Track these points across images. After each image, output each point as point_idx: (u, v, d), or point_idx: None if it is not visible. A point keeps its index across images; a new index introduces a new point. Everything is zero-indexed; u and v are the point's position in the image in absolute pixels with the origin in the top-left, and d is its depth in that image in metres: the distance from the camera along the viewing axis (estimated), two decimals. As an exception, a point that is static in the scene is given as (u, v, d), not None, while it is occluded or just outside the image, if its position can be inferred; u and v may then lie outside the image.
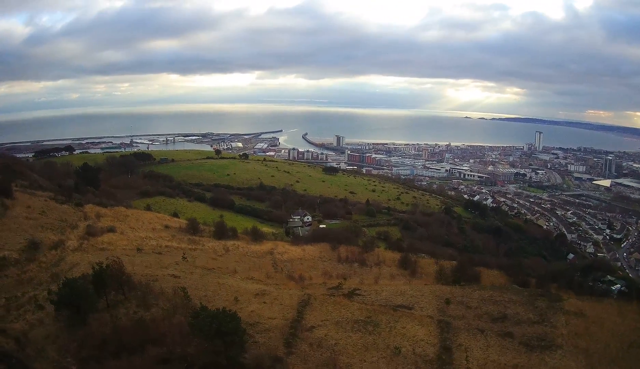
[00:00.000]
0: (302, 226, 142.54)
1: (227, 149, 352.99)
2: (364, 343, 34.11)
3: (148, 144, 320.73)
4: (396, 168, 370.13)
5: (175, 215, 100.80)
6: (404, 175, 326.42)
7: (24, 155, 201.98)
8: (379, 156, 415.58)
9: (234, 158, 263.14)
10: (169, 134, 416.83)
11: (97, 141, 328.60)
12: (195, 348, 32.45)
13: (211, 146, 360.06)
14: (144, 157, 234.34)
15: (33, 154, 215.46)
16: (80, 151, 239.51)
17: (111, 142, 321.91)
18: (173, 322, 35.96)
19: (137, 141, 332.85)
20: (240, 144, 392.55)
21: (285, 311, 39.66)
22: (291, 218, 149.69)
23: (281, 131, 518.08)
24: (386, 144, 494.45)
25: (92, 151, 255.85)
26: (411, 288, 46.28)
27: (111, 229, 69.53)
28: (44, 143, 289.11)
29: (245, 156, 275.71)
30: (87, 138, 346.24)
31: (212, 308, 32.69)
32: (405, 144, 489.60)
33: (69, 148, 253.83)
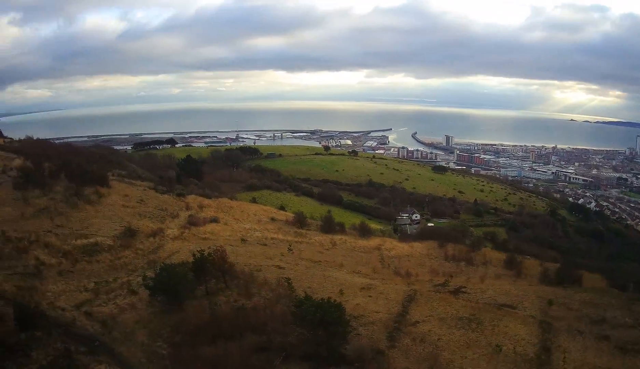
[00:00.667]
0: (410, 224, 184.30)
1: (336, 146, 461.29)
2: (466, 340, 44.30)
3: (255, 139, 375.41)
4: (504, 169, 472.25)
5: (282, 208, 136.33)
6: (511, 176, 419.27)
7: (121, 147, 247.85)
8: (487, 157, 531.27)
9: (343, 155, 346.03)
10: (277, 130, 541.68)
11: (200, 135, 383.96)
12: (296, 338, 41.66)
13: (320, 143, 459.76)
14: (251, 151, 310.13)
15: (132, 146, 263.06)
16: (183, 144, 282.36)
17: (216, 136, 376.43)
18: (275, 311, 47.91)
19: (243, 136, 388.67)
20: (349, 142, 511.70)
21: (390, 305, 52.13)
22: (399, 216, 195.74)
23: (390, 129, 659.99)
24: (494, 145, 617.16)
25: (195, 144, 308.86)
26: (515, 287, 59.58)
27: (214, 220, 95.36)
28: (143, 136, 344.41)
29: (355, 153, 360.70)
30: (190, 132, 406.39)
31: (316, 300, 42.70)
32: (512, 146, 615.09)
33: (171, 141, 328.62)
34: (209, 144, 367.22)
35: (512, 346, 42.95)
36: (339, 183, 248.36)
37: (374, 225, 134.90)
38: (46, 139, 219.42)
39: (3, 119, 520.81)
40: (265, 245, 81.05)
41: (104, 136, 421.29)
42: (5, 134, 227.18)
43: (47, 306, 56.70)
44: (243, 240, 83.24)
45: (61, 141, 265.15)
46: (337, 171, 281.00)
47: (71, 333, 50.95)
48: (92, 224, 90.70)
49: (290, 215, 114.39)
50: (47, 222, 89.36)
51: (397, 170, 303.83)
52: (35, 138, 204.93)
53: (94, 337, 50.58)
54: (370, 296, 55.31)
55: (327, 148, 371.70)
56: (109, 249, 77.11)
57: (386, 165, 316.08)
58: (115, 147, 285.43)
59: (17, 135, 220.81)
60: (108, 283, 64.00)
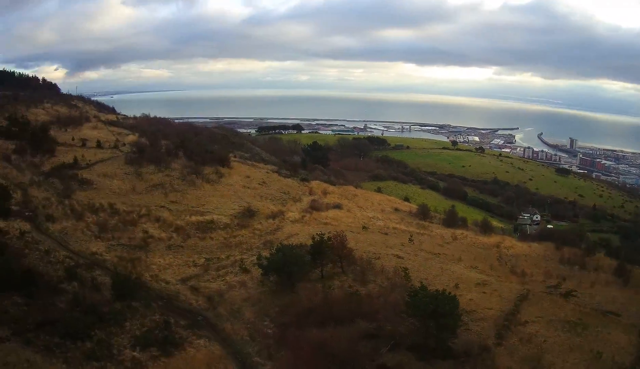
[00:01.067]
0: (530, 224, 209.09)
1: (464, 141, 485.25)
2: (570, 344, 47.15)
3: (382, 130, 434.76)
4: (623, 176, 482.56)
5: (406, 200, 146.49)
6: (629, 184, 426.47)
7: (245, 130, 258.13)
8: (607, 162, 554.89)
9: (470, 151, 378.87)
10: (405, 123, 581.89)
11: (328, 123, 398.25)
12: (406, 328, 44.62)
13: (447, 138, 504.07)
14: (378, 142, 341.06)
15: (256, 129, 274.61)
16: (310, 131, 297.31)
17: (344, 125, 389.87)
18: (388, 299, 50.90)
19: (371, 126, 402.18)
20: (476, 138, 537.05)
21: (502, 303, 55.43)
22: (521, 215, 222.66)
23: (517, 128, 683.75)
24: (614, 150, 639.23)
25: (322, 132, 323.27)
26: (622, 295, 62.80)
27: (337, 206, 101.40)
28: (269, 120, 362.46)
29: (482, 149, 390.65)
30: (317, 119, 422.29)
31: (431, 291, 45.02)
32: (632, 153, 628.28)
33: (297, 127, 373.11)
34: (337, 132, 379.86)
35: (612, 354, 44.79)
36: (465, 179, 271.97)
37: (495, 223, 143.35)
38: (164, 117, 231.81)
39: (116, 96, 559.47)
40: (387, 234, 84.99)
41: (227, 118, 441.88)
42: (118, 110, 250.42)
43: (149, 278, 61.03)
44: (365, 228, 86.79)
45: (181, 120, 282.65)
46: (463, 166, 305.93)
47: (173, 306, 54.35)
48: (210, 202, 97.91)
49: (414, 207, 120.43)
50: (160, 197, 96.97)
51: (522, 169, 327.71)
52: (152, 116, 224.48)
53: (197, 312, 54.01)
54: (484, 292, 58.47)
55: (454, 143, 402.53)
56: (224, 227, 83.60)
57: (512, 164, 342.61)
58: (239, 129, 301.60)
59: (132, 112, 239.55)
60: (220, 260, 69.52)
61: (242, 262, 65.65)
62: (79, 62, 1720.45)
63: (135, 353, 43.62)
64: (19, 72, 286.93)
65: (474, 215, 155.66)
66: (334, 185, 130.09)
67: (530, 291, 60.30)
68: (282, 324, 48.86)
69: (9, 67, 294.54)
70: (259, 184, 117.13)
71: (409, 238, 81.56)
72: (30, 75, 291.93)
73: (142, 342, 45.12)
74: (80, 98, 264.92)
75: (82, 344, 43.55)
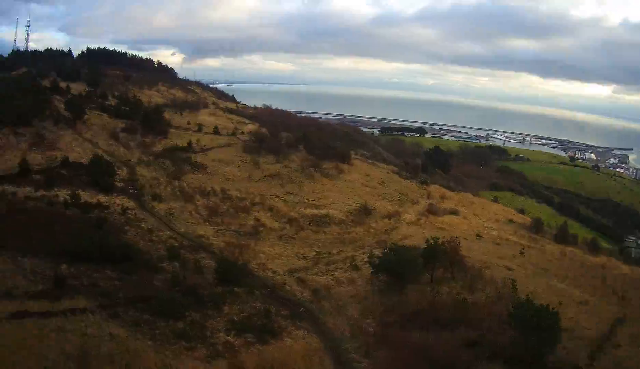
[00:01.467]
0: (636, 248, 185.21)
1: (581, 158, 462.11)
2: None
3: (504, 140, 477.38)
4: None
5: (520, 212, 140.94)
6: None
7: (368, 129, 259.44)
8: None
9: (586, 168, 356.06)
10: (526, 134, 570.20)
11: (451, 128, 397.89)
12: (507, 339, 44.17)
13: (566, 153, 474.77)
14: (499, 151, 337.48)
15: (379, 129, 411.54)
16: (432, 135, 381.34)
17: (466, 132, 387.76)
18: (493, 310, 50.56)
19: (493, 135, 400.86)
20: (593, 156, 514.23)
21: (600, 324, 53.77)
22: (627, 238, 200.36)
23: (632, 149, 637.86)
24: None
25: (445, 137, 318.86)
26: None
27: (454, 212, 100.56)
28: (392, 121, 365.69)
29: (597, 167, 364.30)
30: (440, 124, 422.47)
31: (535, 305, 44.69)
32: None
33: (420, 130, 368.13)
34: (459, 139, 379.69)
35: None
36: (579, 195, 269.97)
37: (603, 243, 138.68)
38: (286, 110, 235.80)
39: (237, 85, 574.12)
40: (499, 244, 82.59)
41: (351, 116, 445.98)
42: (239, 100, 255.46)
43: (256, 266, 60.25)
44: (478, 236, 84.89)
45: (303, 114, 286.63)
46: (578, 183, 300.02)
47: (277, 295, 53.25)
48: (327, 197, 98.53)
49: (527, 219, 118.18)
50: (276, 187, 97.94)
51: (631, 190, 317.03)
52: (273, 107, 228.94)
53: (301, 303, 52.58)
54: (584, 312, 55.88)
55: (572, 159, 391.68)
56: (339, 223, 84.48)
57: (624, 184, 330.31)
58: (362, 128, 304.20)
59: (253, 103, 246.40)
60: (331, 255, 69.25)
61: (353, 259, 64.99)
62: (197, 49, 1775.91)
63: (229, 337, 42.67)
64: (132, 53, 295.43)
65: (584, 233, 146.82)
66: (453, 191, 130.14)
67: (629, 314, 56.86)
68: (385, 324, 48.34)
69: (121, 48, 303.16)
70: (378, 183, 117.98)
71: (520, 251, 79.50)
72: (145, 57, 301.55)
73: (239, 327, 44.12)
74: (199, 84, 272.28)
75: (173, 324, 43.29)
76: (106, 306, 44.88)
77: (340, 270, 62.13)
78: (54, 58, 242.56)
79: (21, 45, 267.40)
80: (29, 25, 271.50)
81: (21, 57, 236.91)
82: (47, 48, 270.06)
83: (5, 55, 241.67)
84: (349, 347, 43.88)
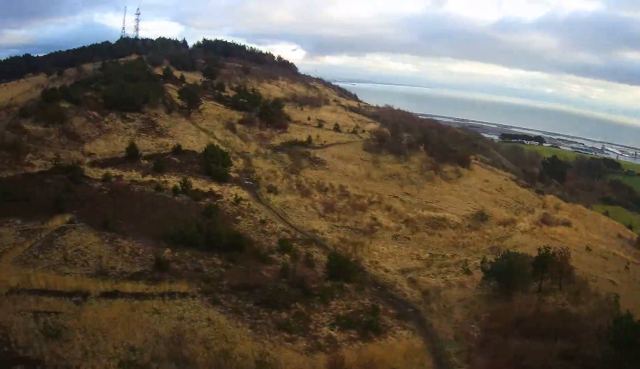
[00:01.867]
0: None
1: None
2: None
3: (618, 154, 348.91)
4: None
5: (629, 227, 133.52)
6: None
7: (488, 135, 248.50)
8: None
9: None
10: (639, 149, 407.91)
11: (568, 139, 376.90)
12: (602, 354, 42.52)
13: None
14: (612, 165, 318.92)
15: (499, 136, 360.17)
16: (550, 144, 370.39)
17: (582, 144, 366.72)
18: (594, 323, 48.51)
19: (608, 148, 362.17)
20: None
21: None
22: None
23: None
24: None
25: (562, 147, 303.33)
26: None
27: (566, 223, 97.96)
28: (512, 129, 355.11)
29: None
30: (558, 134, 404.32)
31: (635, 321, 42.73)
32: None
33: (539, 139, 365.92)
34: (575, 150, 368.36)
35: None
36: None
37: None
38: (407, 111, 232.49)
39: (358, 84, 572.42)
40: (606, 258, 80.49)
41: (472, 121, 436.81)
42: (360, 99, 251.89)
43: (368, 264, 58.93)
44: (588, 249, 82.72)
45: (424, 116, 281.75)
46: None
47: (386, 294, 52.11)
48: (444, 199, 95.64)
49: (635, 236, 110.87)
50: (395, 187, 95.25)
51: None
52: (395, 108, 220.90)
53: (409, 304, 51.31)
54: None
55: None
56: (455, 227, 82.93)
57: None
58: (483, 134, 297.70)
59: (374, 102, 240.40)
60: (444, 258, 68.57)
61: (465, 263, 64.39)
62: (319, 46, 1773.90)
63: (332, 332, 41.71)
64: (251, 46, 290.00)
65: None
66: (567, 202, 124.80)
67: None
68: (489, 330, 47.74)
69: (239, 41, 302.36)
70: (496, 189, 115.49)
71: (626, 266, 77.00)
72: (264, 51, 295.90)
73: (344, 323, 43.06)
74: (320, 80, 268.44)
75: (277, 314, 42.58)
76: (208, 292, 44.85)
77: (452, 273, 62.02)
78: (167, 47, 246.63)
79: (130, 33, 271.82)
80: (138, 14, 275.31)
81: (130, 45, 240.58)
82: (160, 37, 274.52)
83: (113, 42, 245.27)
84: (451, 351, 43.01)
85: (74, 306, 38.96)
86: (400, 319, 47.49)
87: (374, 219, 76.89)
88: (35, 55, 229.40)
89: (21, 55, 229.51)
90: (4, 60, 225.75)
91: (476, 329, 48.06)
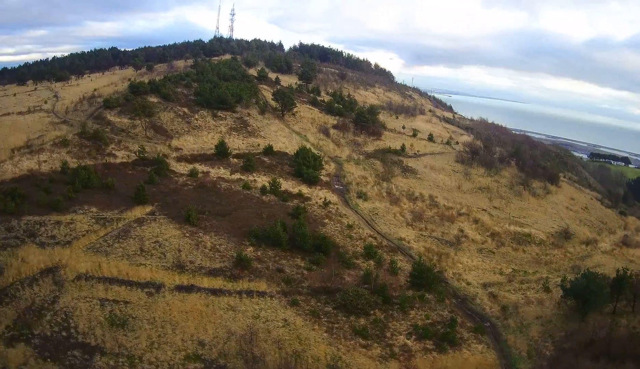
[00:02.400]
0: None
1: None
2: None
3: None
4: None
5: None
6: None
7: (578, 153, 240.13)
8: None
9: None
10: None
11: None
12: None
13: None
14: None
15: (588, 155, 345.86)
16: (635, 166, 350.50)
17: None
18: None
19: None
20: None
21: None
22: None
23: None
24: None
25: None
26: None
27: None
28: (601, 148, 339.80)
29: None
30: None
31: None
32: None
33: (625, 160, 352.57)
34: None
35: None
36: None
37: None
38: (501, 125, 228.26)
39: (454, 96, 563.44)
40: None
41: (563, 138, 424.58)
42: (455, 110, 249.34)
43: (451, 276, 57.90)
44: None
45: (517, 132, 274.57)
46: None
47: (466, 307, 51.42)
48: (531, 215, 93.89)
49: None
50: (484, 200, 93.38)
51: None
52: (489, 121, 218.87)
53: (487, 318, 50.40)
54: None
55: None
56: (539, 243, 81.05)
57: None
58: (573, 152, 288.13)
59: (469, 114, 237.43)
60: (526, 274, 67.19)
61: (546, 280, 62.83)
62: (416, 56, 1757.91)
63: (408, 341, 41.15)
64: (348, 53, 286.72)
65: None
66: None
67: None
68: (562, 350, 47.46)
69: (336, 47, 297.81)
70: (582, 208, 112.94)
71: None
72: (362, 58, 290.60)
73: (421, 332, 42.35)
74: (416, 90, 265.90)
75: (355, 319, 42.29)
76: (287, 293, 44.88)
77: (532, 290, 60.73)
78: (262, 48, 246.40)
79: (224, 33, 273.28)
80: (233, 14, 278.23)
81: (224, 44, 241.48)
82: (255, 38, 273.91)
83: (206, 40, 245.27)
84: (522, 368, 42.54)
85: (145, 297, 40.01)
86: (477, 333, 47.32)
87: (461, 230, 75.88)
88: (123, 49, 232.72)
89: (107, 48, 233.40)
90: (87, 52, 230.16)
91: (550, 348, 47.98)
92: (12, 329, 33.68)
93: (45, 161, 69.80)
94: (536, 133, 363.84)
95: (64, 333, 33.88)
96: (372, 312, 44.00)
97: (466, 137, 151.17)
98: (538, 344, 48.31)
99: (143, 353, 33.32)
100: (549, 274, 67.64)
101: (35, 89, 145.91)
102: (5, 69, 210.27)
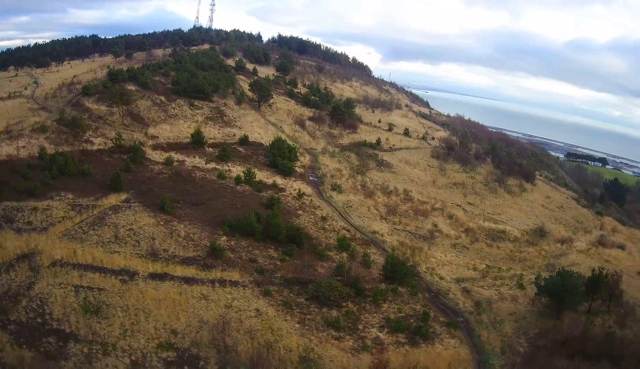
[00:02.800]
0: None
1: None
2: None
3: None
4: None
5: None
6: None
7: (554, 153, 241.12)
8: None
9: None
10: None
11: (630, 163, 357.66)
12: None
13: None
14: None
15: (564, 154, 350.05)
16: (612, 167, 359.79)
17: None
18: (637, 348, 48.25)
19: None
20: None
21: None
22: None
23: None
24: None
25: (625, 171, 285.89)
26: None
27: (621, 246, 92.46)
28: (577, 148, 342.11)
29: None
30: (621, 157, 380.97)
31: None
32: None
33: (602, 160, 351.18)
34: (637, 175, 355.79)
35: None
36: None
37: None
38: (477, 122, 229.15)
39: (431, 92, 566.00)
40: None
41: (539, 137, 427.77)
42: (432, 106, 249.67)
43: (425, 270, 57.19)
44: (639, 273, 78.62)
45: (493, 129, 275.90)
46: None
47: (439, 302, 50.90)
48: (506, 212, 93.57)
49: None
50: (458, 196, 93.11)
51: None
52: (466, 118, 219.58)
53: (460, 313, 50.03)
54: None
55: None
56: (513, 240, 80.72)
57: None
58: (549, 151, 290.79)
59: (445, 111, 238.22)
60: (500, 270, 66.61)
61: (520, 277, 62.33)
62: (394, 51, 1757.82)
63: (380, 334, 40.74)
64: (326, 46, 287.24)
65: None
66: (624, 225, 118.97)
67: None
68: (536, 347, 46.99)
69: (314, 40, 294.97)
70: (557, 207, 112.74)
71: None
72: (339, 51, 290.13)
73: (393, 326, 41.90)
74: (393, 85, 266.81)
75: (327, 311, 41.77)
76: (260, 283, 44.19)
77: (506, 286, 60.12)
78: (241, 39, 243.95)
79: (203, 23, 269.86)
80: (213, 4, 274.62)
81: (203, 34, 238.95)
82: (234, 29, 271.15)
83: (185, 30, 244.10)
84: (495, 363, 42.18)
85: (119, 284, 39.35)
86: (450, 327, 46.73)
87: (435, 225, 75.09)
88: (103, 37, 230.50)
89: (87, 36, 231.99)
90: (68, 39, 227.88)
91: (523, 344, 47.42)
92: (-13, 315, 34.43)
93: (23, 147, 68.69)
94: (513, 131, 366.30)
95: (39, 320, 33.29)
96: (344, 304, 43.48)
97: (442, 133, 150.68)
98: (512, 341, 47.78)
99: (116, 341, 32.74)
100: (523, 271, 67.15)
101: (16, 74, 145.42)
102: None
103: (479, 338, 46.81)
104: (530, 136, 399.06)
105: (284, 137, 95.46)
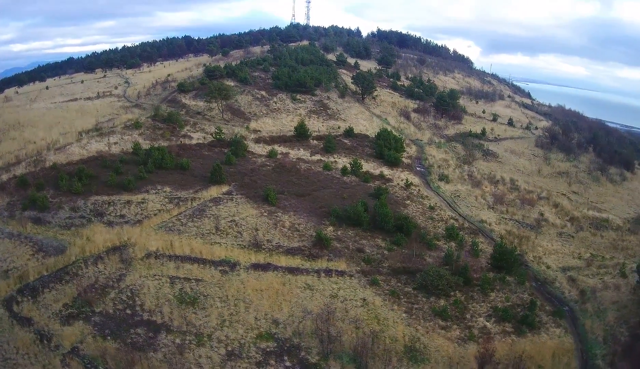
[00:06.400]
0: None
1: None
2: None
3: None
4: None
5: None
6: None
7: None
8: None
9: None
10: None
11: None
12: None
13: None
14: None
15: None
16: None
17: None
18: None
19: None
20: None
21: None
22: None
23: None
24: None
25: None
26: None
27: None
28: None
29: None
30: None
31: None
32: None
33: None
34: None
35: None
36: None
37: None
38: (577, 112, 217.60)
39: (531, 84, 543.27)
40: None
41: (637, 128, 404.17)
42: (533, 97, 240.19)
43: (532, 259, 54.62)
44: None
45: (592, 119, 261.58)
46: None
47: (545, 290, 48.23)
48: (608, 201, 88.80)
49: None
50: (563, 185, 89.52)
51: None
52: (567, 108, 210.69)
53: (566, 302, 47.20)
54: None
55: None
56: (616, 229, 74.46)
57: None
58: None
59: (546, 101, 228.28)
60: (603, 259, 61.43)
61: (623, 266, 56.77)
62: (494, 44, 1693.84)
63: (487, 323, 38.84)
64: (426, 39, 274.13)
65: None
66: None
67: None
68: (636, 336, 43.10)
69: (414, 33, 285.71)
70: None
71: None
72: (439, 44, 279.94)
73: (500, 315, 39.78)
74: (495, 77, 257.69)
75: (435, 301, 39.87)
76: (367, 273, 42.47)
77: (609, 275, 55.12)
78: (340, 35, 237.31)
79: (300, 21, 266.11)
80: (309, 2, 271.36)
81: (301, 31, 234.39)
82: (332, 25, 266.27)
83: (282, 27, 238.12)
84: (598, 353, 39.45)
85: (219, 275, 38.29)
86: (556, 316, 44.02)
87: (542, 214, 71.31)
88: (196, 37, 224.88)
89: (180, 37, 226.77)
90: (159, 40, 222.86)
91: (624, 333, 43.83)
92: (70, 307, 32.27)
93: (115, 143, 68.79)
94: (610, 121, 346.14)
95: (128, 311, 32.49)
96: (452, 293, 41.75)
97: (545, 123, 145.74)
98: (614, 330, 44.75)
99: (213, 331, 31.75)
100: (625, 260, 61.68)
101: (105, 76, 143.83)
102: (71, 58, 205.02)
103: (583, 327, 44.30)
104: (628, 126, 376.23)
105: (389, 128, 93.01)
